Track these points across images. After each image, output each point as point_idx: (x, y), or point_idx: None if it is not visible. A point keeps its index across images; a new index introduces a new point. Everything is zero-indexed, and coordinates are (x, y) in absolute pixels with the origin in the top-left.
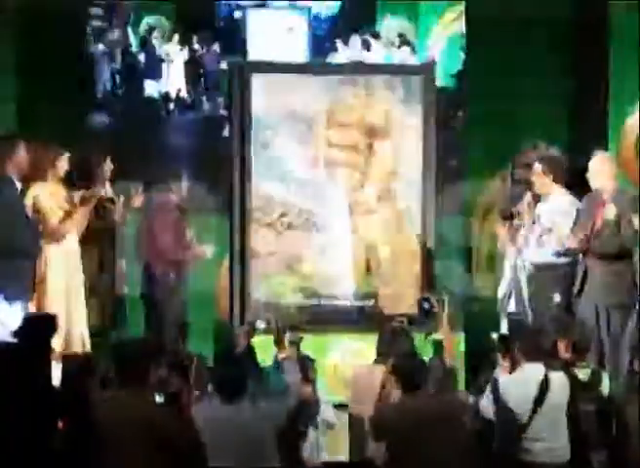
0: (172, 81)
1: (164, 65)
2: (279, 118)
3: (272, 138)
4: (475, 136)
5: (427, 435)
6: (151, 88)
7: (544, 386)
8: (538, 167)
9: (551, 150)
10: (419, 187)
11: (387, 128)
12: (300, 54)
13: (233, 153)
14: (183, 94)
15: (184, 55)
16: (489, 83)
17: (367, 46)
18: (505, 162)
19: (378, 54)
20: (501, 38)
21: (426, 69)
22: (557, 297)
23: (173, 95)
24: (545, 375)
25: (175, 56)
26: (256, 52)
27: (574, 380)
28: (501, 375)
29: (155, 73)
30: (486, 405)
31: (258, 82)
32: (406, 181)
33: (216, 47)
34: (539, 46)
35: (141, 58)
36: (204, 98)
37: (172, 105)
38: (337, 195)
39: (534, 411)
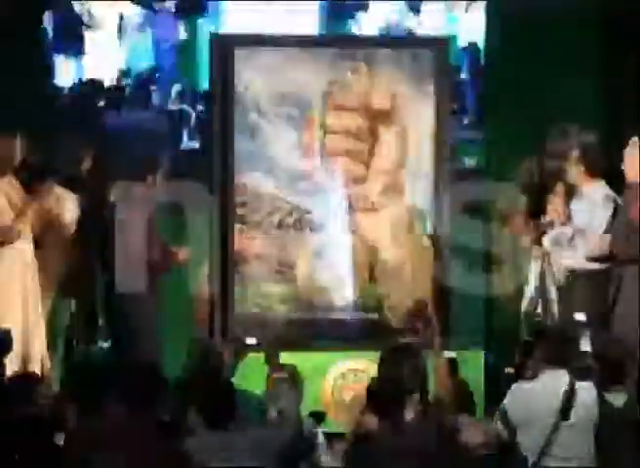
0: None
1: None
2: (267, 100)
3: (259, 124)
4: (496, 121)
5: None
6: (65, 67)
7: (570, 397)
8: (570, 156)
9: (586, 136)
10: (430, 180)
11: (394, 111)
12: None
13: (214, 141)
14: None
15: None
16: (513, 64)
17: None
18: (532, 151)
19: (432, 17)
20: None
21: (440, 43)
22: (582, 317)
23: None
24: (571, 385)
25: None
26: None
27: (607, 406)
28: (519, 384)
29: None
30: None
31: (242, 58)
32: (415, 174)
33: (170, 5)
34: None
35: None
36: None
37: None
38: (335, 189)
39: (556, 426)
